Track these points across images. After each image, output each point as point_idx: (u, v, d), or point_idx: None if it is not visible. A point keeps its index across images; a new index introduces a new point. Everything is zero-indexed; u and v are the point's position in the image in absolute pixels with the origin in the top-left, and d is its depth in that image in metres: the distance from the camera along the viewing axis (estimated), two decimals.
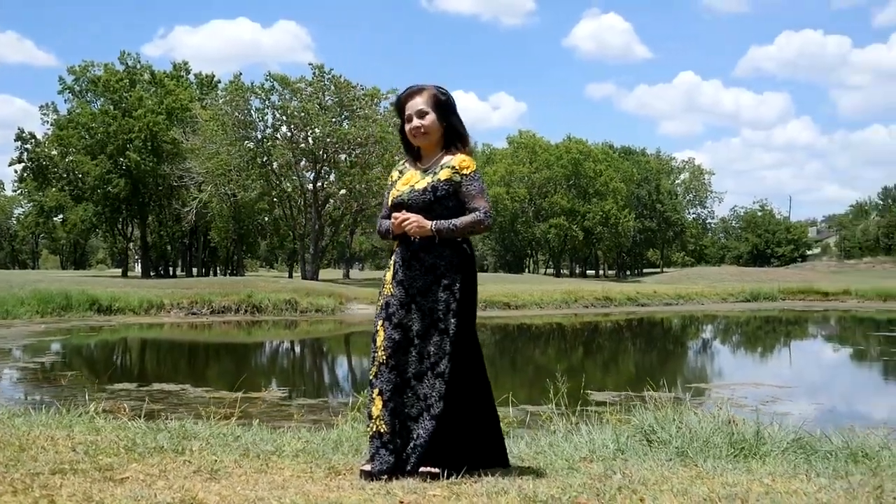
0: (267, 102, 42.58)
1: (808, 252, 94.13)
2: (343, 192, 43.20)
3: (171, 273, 60.24)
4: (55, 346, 18.91)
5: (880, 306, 38.18)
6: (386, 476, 3.59)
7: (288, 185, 45.10)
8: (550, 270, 75.34)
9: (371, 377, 3.79)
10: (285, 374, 16.72)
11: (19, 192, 64.29)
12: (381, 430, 3.68)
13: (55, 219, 57.06)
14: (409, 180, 3.90)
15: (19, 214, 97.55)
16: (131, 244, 62.15)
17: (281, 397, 11.61)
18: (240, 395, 11.62)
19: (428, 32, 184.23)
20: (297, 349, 22.15)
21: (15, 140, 53.24)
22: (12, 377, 13.92)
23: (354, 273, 60.51)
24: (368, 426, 3.78)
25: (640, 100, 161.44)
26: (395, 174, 4.08)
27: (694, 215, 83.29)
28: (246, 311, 29.00)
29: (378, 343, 3.79)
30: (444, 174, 3.80)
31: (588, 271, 77.38)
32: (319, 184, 43.59)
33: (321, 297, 30.88)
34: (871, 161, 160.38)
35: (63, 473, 3.60)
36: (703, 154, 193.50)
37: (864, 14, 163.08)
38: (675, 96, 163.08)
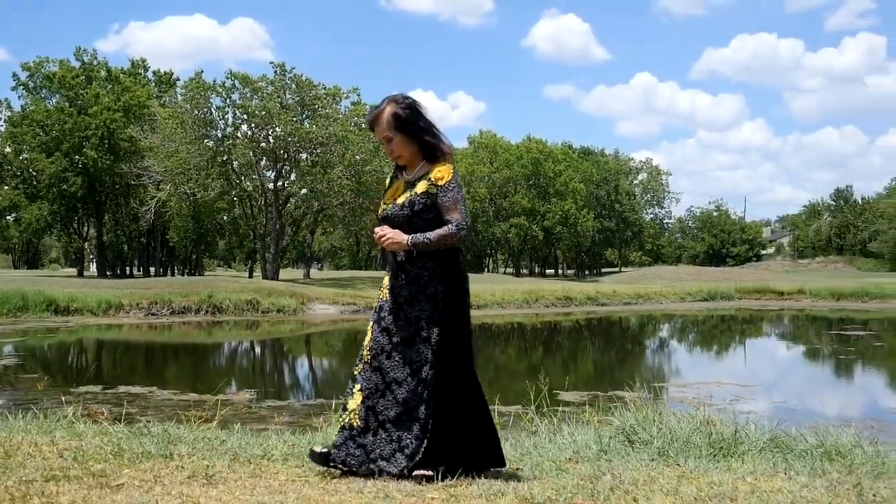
0: (228, 101, 42.18)
1: (763, 252, 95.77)
2: (304, 191, 42.96)
3: (127, 273, 59.47)
4: (13, 349, 18.59)
5: (833, 305, 38.97)
6: (347, 468, 3.73)
7: (248, 184, 44.72)
8: (510, 270, 75.67)
9: (355, 372, 3.89)
10: (251, 375, 16.63)
11: None
12: (354, 424, 3.79)
13: (8, 217, 55.78)
14: (395, 192, 3.96)
15: None
16: (86, 243, 61.22)
17: (249, 399, 11.56)
18: (214, 398, 11.60)
19: (386, 31, 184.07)
20: (261, 350, 22.04)
21: None
22: None
23: (314, 273, 60.21)
24: (341, 416, 3.88)
25: (598, 101, 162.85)
26: (387, 180, 4.15)
27: (651, 215, 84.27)
28: (206, 311, 28.73)
29: (365, 342, 3.89)
30: (420, 187, 3.83)
31: (547, 270, 77.84)
32: (280, 183, 43.30)
33: (283, 298, 30.70)
34: (823, 163, 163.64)
35: (57, 480, 3.60)
36: (659, 155, 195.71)
37: (816, 18, 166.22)
38: (632, 97, 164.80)
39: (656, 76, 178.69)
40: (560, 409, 9.57)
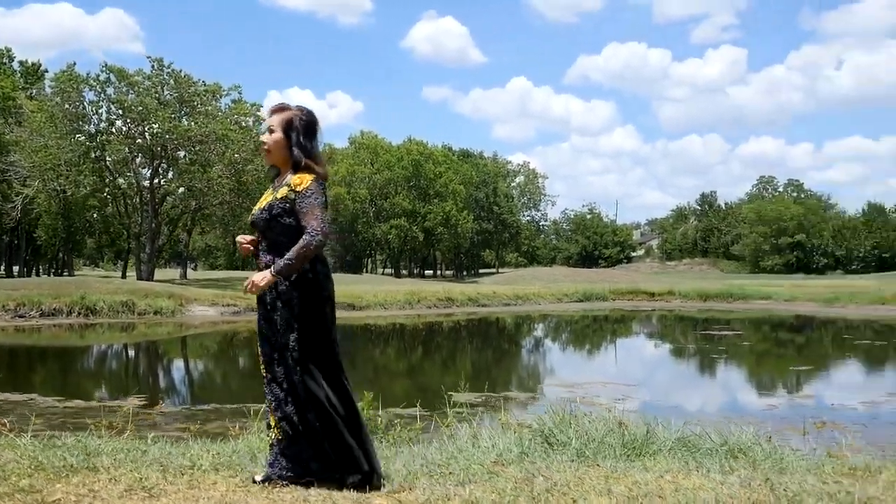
0: (102, 95, 40.57)
1: (633, 254, 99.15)
2: (182, 190, 41.83)
3: None
4: None
5: (701, 306, 40.75)
6: (286, 482, 3.76)
7: (123, 181, 43.14)
8: (388, 270, 75.77)
9: (264, 387, 3.95)
10: (136, 381, 16.14)
11: None
12: (279, 438, 3.84)
13: None
14: (265, 198, 4.00)
15: None
16: None
17: (140, 406, 11.25)
18: (99, 404, 11.24)
19: (263, 28, 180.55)
20: (144, 354, 21.40)
21: None
22: None
23: (189, 273, 58.67)
24: (269, 434, 3.94)
25: (475, 103, 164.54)
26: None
27: (528, 218, 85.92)
28: (79, 313, 27.58)
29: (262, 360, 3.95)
30: (281, 192, 3.86)
31: (426, 271, 78.33)
32: (157, 181, 42.00)
33: (160, 299, 29.79)
34: (688, 169, 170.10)
35: None
36: (534, 158, 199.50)
37: (682, 30, 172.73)
38: (508, 101, 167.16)
39: (532, 80, 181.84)
40: (455, 410, 9.74)
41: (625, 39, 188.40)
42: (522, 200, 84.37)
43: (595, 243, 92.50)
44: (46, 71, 54.97)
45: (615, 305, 41.46)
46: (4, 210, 45.07)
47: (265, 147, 3.98)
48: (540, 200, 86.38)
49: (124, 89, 40.28)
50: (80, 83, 40.03)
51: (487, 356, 21.15)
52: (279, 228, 3.84)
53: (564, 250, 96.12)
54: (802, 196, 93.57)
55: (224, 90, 42.70)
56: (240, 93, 43.91)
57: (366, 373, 16.33)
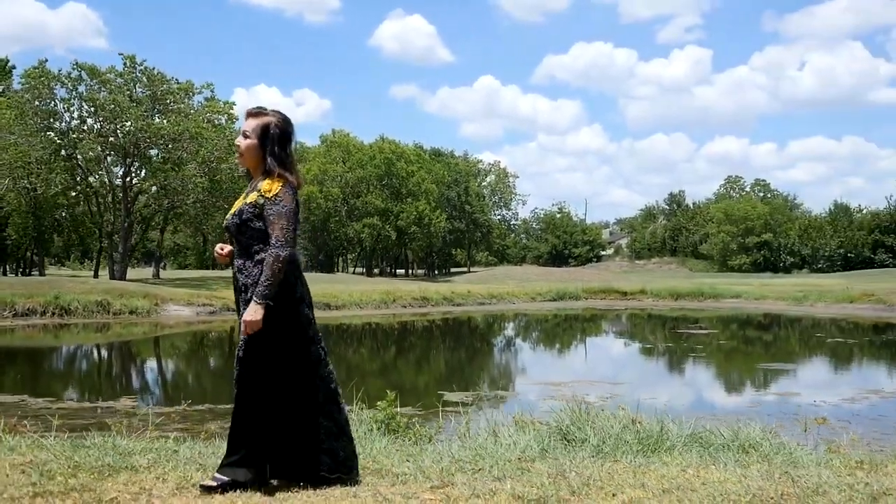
0: (74, 92, 40.19)
1: (602, 253, 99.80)
2: (155, 188, 41.56)
3: None
4: None
5: (673, 305, 41.22)
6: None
7: (94, 180, 42.75)
8: (360, 269, 75.69)
9: None
10: (124, 381, 16.11)
11: None
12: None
13: None
14: (238, 203, 4.06)
15: None
16: None
17: (132, 406, 11.26)
18: (91, 405, 11.25)
19: (229, 25, 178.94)
20: (125, 354, 21.30)
21: None
22: None
23: (160, 272, 58.27)
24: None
25: (443, 102, 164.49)
26: None
27: (499, 217, 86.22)
28: (53, 313, 27.33)
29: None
30: (251, 197, 3.91)
31: (398, 270, 78.37)
32: (129, 180, 41.67)
33: (135, 299, 29.59)
34: (654, 168, 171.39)
35: (46, 496, 3.58)
36: (502, 157, 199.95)
37: (648, 31, 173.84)
38: (475, 100, 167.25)
39: (499, 80, 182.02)
40: (450, 409, 9.90)
41: (591, 39, 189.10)
42: (493, 199, 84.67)
43: (565, 242, 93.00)
44: (14, 67, 54.29)
45: (588, 304, 41.81)
46: None
47: (239, 151, 4.04)
48: (511, 199, 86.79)
49: (96, 87, 39.94)
50: (51, 80, 39.63)
51: (469, 356, 21.33)
52: (249, 233, 3.89)
53: (534, 249, 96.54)
54: (769, 196, 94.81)
55: (196, 88, 42.51)
56: (212, 91, 43.80)
57: (351, 373, 16.41)
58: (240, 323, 3.82)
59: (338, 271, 70.76)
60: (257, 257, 3.85)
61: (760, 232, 79.79)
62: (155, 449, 4.88)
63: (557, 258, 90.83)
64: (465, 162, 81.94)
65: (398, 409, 6.10)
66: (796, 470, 4.31)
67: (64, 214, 51.18)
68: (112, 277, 39.75)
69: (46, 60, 41.41)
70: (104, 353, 21.39)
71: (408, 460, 4.48)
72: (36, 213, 45.86)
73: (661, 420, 5.43)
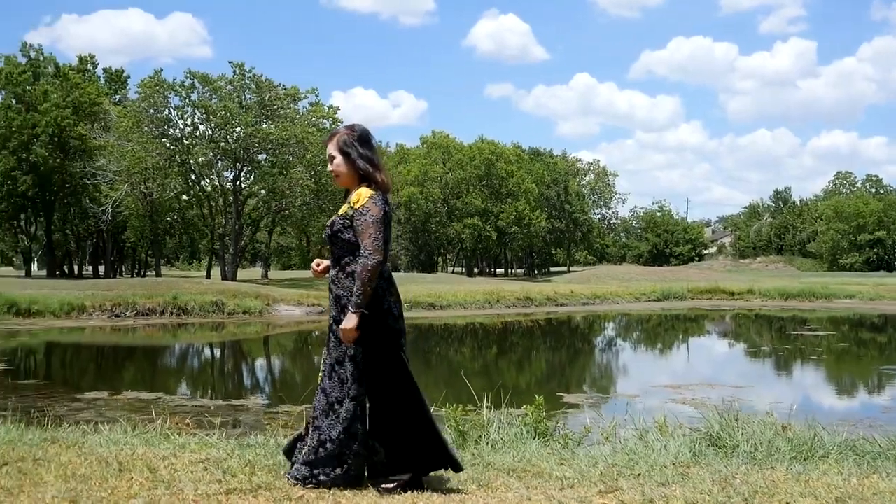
0: (187, 100, 41.74)
1: (705, 251, 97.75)
2: (263, 192, 42.78)
3: (75, 273, 58.30)
4: None
5: (783, 305, 40.11)
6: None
7: (207, 184, 44.33)
8: (459, 269, 75.99)
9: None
10: (247, 379, 16.67)
11: None
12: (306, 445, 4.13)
13: None
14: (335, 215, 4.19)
15: None
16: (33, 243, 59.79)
17: (264, 405, 11.67)
18: (224, 402, 11.69)
19: (327, 30, 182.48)
20: (244, 353, 22.02)
21: None
22: None
23: (257, 272, 59.86)
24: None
25: (538, 100, 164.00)
26: None
27: (599, 215, 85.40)
28: (171, 313, 28.44)
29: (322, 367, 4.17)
30: (342, 209, 4.05)
31: (497, 270, 78.38)
32: (239, 183, 43.02)
33: (248, 299, 30.51)
34: (756, 164, 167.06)
35: (237, 493, 3.80)
36: (598, 155, 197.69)
37: (750, 23, 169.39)
38: (571, 97, 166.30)
39: (595, 77, 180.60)
40: (570, 411, 9.92)
41: (690, 33, 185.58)
42: (593, 199, 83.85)
43: (666, 241, 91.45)
44: (129, 77, 56.61)
45: (694, 305, 41.03)
46: (95, 213, 46.60)
47: (334, 174, 4.14)
48: (611, 198, 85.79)
49: (208, 94, 41.33)
50: (165, 89, 41.21)
51: (582, 357, 21.26)
52: (340, 244, 4.01)
53: (634, 248, 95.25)
54: (881, 191, 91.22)
55: (302, 93, 43.50)
56: (317, 96, 44.76)
57: (467, 372, 16.59)
58: (329, 331, 4.02)
59: (438, 271, 71.21)
60: (348, 269, 3.97)
61: (873, 229, 76.89)
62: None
63: (658, 257, 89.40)
64: (564, 161, 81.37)
65: (514, 409, 6.18)
66: None
67: (175, 217, 53.13)
68: (223, 278, 41.05)
69: (161, 70, 43.09)
70: (227, 351, 22.15)
71: (562, 464, 4.57)
72: (152, 217, 47.76)
73: (813, 427, 5.36)
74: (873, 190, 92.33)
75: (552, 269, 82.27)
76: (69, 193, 51.24)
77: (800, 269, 79.43)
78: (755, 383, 14.85)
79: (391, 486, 3.93)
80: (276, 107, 41.85)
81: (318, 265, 4.30)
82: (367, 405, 4.03)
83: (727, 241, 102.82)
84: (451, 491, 3.93)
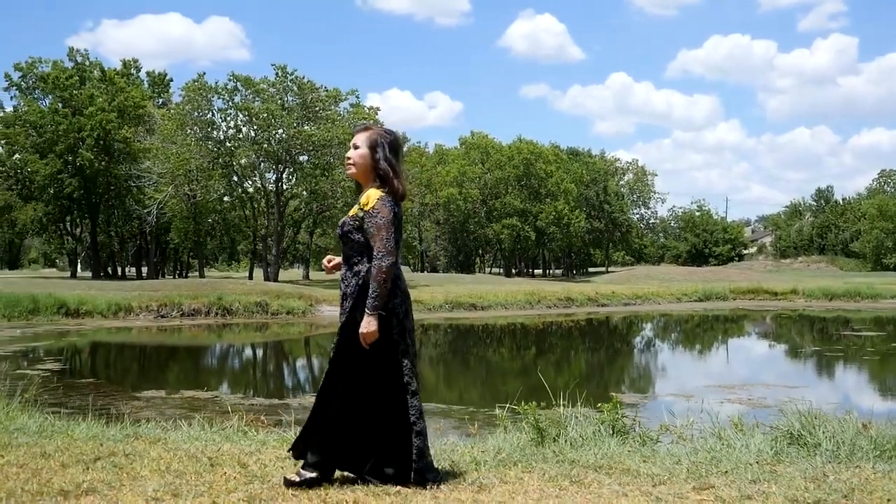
0: (230, 102, 42.22)
1: (745, 251, 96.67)
2: (305, 193, 43.15)
3: (120, 274, 59.23)
4: (43, 353, 18.66)
5: (827, 305, 39.53)
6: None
7: (249, 185, 44.82)
8: (496, 270, 75.95)
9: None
10: (296, 378, 16.81)
11: None
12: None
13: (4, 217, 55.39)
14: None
15: None
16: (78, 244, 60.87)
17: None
18: (281, 401, 11.81)
19: (362, 32, 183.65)
20: (290, 353, 22.20)
21: None
22: (33, 383, 13.71)
23: (302, 273, 60.23)
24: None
25: (574, 100, 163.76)
26: None
27: (637, 215, 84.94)
28: (216, 313, 28.75)
29: None
30: (352, 210, 4.09)
31: (535, 271, 78.26)
32: (281, 185, 43.44)
33: (291, 300, 30.76)
34: (796, 162, 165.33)
35: (336, 486, 3.86)
36: (634, 154, 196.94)
37: (789, 20, 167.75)
38: (607, 97, 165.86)
39: (632, 76, 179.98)
40: (628, 410, 9.85)
41: (727, 31, 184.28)
42: (632, 198, 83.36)
43: (705, 241, 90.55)
44: (171, 80, 57.39)
45: (737, 305, 40.58)
46: (140, 214, 47.33)
47: (350, 162, 4.16)
48: (649, 198, 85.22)
49: (250, 97, 41.76)
50: (208, 92, 41.71)
51: (631, 356, 21.17)
52: (350, 244, 4.05)
53: (673, 248, 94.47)
54: None
55: (343, 95, 43.73)
56: (357, 97, 44.98)
57: (515, 371, 16.60)
58: (339, 329, 4.04)
59: (476, 272, 71.25)
60: (356, 268, 4.01)
61: None
62: None
63: (697, 257, 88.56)
64: (603, 160, 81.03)
65: (570, 409, 6.17)
66: None
67: (217, 219, 53.80)
68: (266, 279, 41.46)
69: (204, 74, 43.72)
70: (271, 351, 22.34)
71: (645, 461, 4.57)
72: (195, 219, 48.39)
73: None
74: None
75: (590, 269, 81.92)
76: (114, 196, 52.13)
77: (843, 268, 78.25)
78: (810, 383, 14.69)
79: (297, 479, 3.93)
80: (317, 108, 42.17)
81: (330, 261, 4.37)
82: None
83: (767, 240, 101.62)
84: (545, 486, 3.95)
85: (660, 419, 6.76)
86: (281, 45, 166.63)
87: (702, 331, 30.34)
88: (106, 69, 53.36)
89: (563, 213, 61.05)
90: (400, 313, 4.01)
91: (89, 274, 56.12)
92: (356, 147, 4.13)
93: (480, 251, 74.21)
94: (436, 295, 34.81)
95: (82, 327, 24.98)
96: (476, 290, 37.52)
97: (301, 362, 20.14)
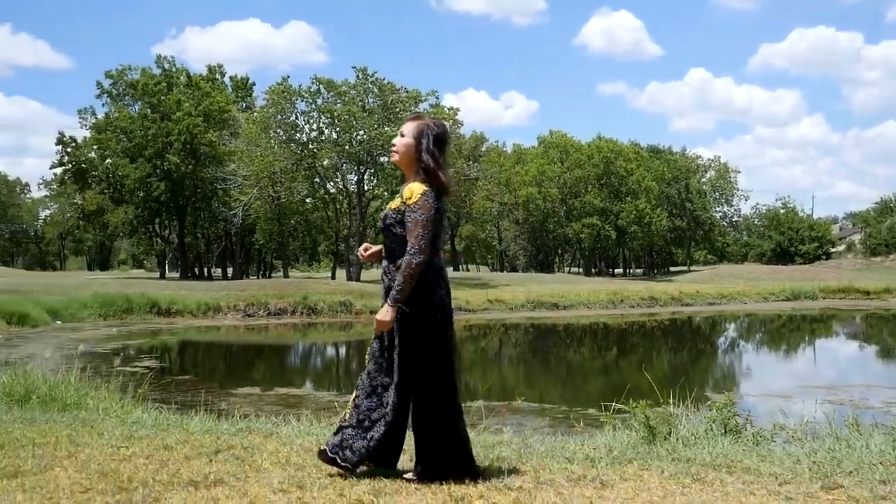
0: (313, 105, 42.91)
1: (832, 249, 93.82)
2: (387, 194, 43.55)
3: (206, 274, 60.67)
4: (139, 351, 19.23)
5: None
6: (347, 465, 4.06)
7: (331, 186, 45.49)
8: (575, 269, 75.36)
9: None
10: None
11: (57, 193, 64.74)
12: (345, 419, 4.13)
13: (98, 220, 57.48)
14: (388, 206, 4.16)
15: (46, 217, 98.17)
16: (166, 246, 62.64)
17: None
18: None
19: (439, 32, 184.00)
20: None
21: (56, 144, 54.16)
22: (146, 379, 14.14)
23: (376, 273, 60.75)
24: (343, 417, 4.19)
25: (652, 97, 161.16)
26: None
27: (720, 213, 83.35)
28: (302, 313, 29.25)
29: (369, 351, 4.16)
30: (394, 203, 4.05)
31: (616, 270, 77.42)
32: (362, 186, 43.97)
33: (375, 299, 30.94)
34: (885, 158, 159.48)
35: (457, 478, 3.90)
36: (714, 151, 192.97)
37: (875, 10, 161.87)
38: (686, 93, 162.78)
39: (711, 72, 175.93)
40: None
41: (811, 24, 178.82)
42: (714, 196, 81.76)
43: (790, 239, 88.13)
44: (254, 84, 58.57)
45: (827, 304, 39.47)
46: (226, 216, 48.47)
47: (394, 149, 4.13)
48: (732, 196, 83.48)
49: (332, 99, 42.33)
50: (292, 95, 42.45)
51: (723, 356, 20.81)
52: (392, 237, 4.01)
53: (757, 247, 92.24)
54: None
55: (423, 96, 43.94)
56: (437, 98, 45.06)
57: (610, 371, 16.46)
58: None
59: (556, 271, 70.82)
60: (399, 261, 3.93)
61: None
62: (504, 443, 5.12)
63: (782, 256, 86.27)
64: (684, 158, 79.65)
65: (661, 408, 6.07)
66: None
67: (299, 220, 54.72)
68: (349, 279, 41.98)
69: (288, 77, 44.40)
70: (353, 349, 22.59)
71: (763, 460, 4.48)
72: (279, 220, 49.33)
73: None
74: None
75: (671, 268, 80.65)
76: (200, 198, 53.49)
77: None
78: None
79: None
80: (397, 110, 42.47)
81: (367, 250, 4.34)
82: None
83: (856, 238, 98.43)
84: (667, 483, 3.91)
85: (767, 419, 6.64)
86: (357, 47, 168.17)
87: (794, 331, 29.62)
88: (192, 75, 54.72)
89: (645, 211, 60.26)
90: (446, 304, 4.04)
91: (177, 274, 57.66)
92: (403, 135, 4.12)
93: (560, 250, 73.68)
94: (517, 294, 34.79)
95: (174, 326, 25.67)
96: (557, 289, 37.34)
97: None
